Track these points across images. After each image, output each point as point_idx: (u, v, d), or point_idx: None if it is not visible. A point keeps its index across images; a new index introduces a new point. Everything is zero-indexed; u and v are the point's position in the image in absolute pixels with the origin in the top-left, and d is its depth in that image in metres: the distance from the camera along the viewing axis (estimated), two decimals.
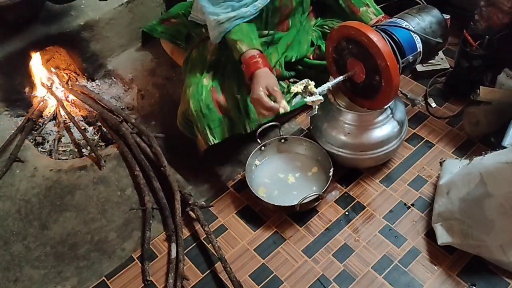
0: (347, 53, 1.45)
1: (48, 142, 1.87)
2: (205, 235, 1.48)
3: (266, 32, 1.67)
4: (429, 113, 1.83)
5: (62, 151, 1.85)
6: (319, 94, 1.41)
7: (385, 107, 1.50)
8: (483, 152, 1.48)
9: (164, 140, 1.77)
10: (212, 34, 1.55)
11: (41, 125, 1.91)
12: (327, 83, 1.44)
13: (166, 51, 1.99)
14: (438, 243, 1.42)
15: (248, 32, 1.51)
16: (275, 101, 1.41)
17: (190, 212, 1.55)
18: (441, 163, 1.61)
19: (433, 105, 1.80)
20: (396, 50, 1.40)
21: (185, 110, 1.58)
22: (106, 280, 1.45)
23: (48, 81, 1.98)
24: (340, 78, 1.46)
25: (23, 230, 1.57)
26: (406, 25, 1.45)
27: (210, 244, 1.47)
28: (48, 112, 1.95)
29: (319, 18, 1.83)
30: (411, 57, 1.45)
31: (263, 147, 1.65)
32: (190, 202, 1.55)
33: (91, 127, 1.92)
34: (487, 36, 1.74)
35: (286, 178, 1.62)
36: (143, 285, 1.43)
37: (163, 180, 1.63)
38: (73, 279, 1.46)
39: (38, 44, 1.86)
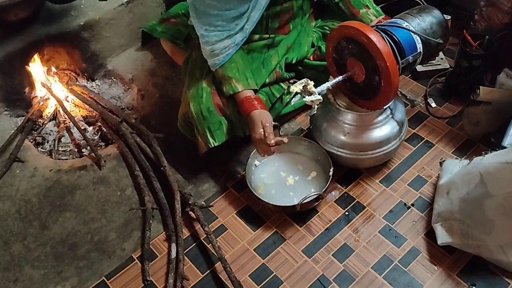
0: (347, 53, 1.45)
1: (48, 142, 1.87)
2: (205, 235, 1.48)
3: (267, 35, 1.67)
4: (429, 113, 1.83)
5: (62, 151, 1.85)
6: (319, 94, 1.41)
7: (385, 107, 1.50)
8: (483, 152, 1.48)
9: (164, 140, 1.77)
10: (208, 61, 1.57)
11: (41, 125, 1.91)
12: (327, 83, 1.44)
13: (166, 51, 1.99)
14: (438, 243, 1.42)
15: (243, 69, 1.55)
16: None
17: (190, 212, 1.55)
18: (441, 163, 1.61)
19: (433, 105, 1.80)
20: (396, 51, 1.40)
21: (185, 112, 1.58)
22: (106, 280, 1.45)
23: (48, 81, 1.98)
24: (340, 78, 1.46)
25: (23, 230, 1.57)
26: (406, 26, 1.45)
27: (210, 244, 1.47)
28: (48, 112, 1.95)
29: (319, 20, 1.83)
30: (411, 58, 1.45)
31: None
32: (190, 202, 1.55)
33: (91, 127, 1.92)
34: (487, 36, 1.74)
35: (285, 180, 1.62)
36: (143, 285, 1.43)
37: (163, 180, 1.63)
38: (73, 279, 1.46)
39: (38, 44, 1.86)
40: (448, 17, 1.78)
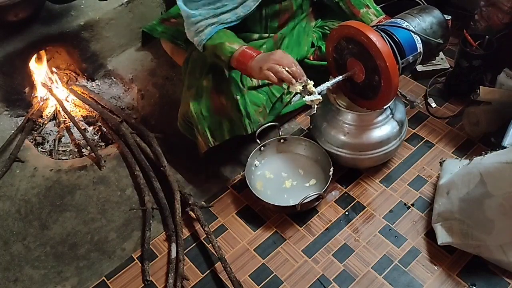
0: (347, 53, 1.45)
1: (48, 142, 1.87)
2: (205, 235, 1.48)
3: (266, 35, 1.67)
4: (429, 113, 1.83)
5: (62, 151, 1.85)
6: (318, 94, 1.41)
7: (385, 107, 1.50)
8: (483, 152, 1.48)
9: (164, 140, 1.77)
10: (194, 41, 1.52)
11: (41, 125, 1.91)
12: (326, 82, 1.44)
13: (166, 51, 1.99)
14: (438, 243, 1.42)
15: (233, 34, 1.50)
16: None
17: (190, 212, 1.55)
18: (441, 163, 1.61)
19: (433, 105, 1.80)
20: (396, 51, 1.40)
21: (185, 112, 1.58)
22: (106, 280, 1.45)
23: (48, 81, 1.98)
24: (339, 77, 1.46)
25: (23, 230, 1.57)
26: (406, 26, 1.45)
27: (210, 244, 1.47)
28: (48, 112, 1.95)
29: (319, 19, 1.83)
30: (411, 58, 1.45)
31: (262, 147, 1.65)
32: (190, 202, 1.55)
33: (91, 127, 1.92)
34: (487, 36, 1.74)
35: (283, 182, 1.62)
36: (143, 285, 1.43)
37: (163, 180, 1.63)
38: (73, 279, 1.46)
39: (38, 44, 1.86)
40: (448, 17, 1.78)
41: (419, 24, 1.48)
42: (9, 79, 1.84)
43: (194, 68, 1.66)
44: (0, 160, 1.74)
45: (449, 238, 1.40)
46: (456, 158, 1.65)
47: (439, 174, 1.59)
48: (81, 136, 1.85)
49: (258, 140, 1.63)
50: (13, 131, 1.83)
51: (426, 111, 1.83)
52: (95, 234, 1.55)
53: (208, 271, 1.45)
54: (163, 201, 1.58)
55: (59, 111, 1.94)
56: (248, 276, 1.43)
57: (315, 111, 1.42)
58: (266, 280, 1.42)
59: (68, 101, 1.99)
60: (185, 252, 1.48)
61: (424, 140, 1.74)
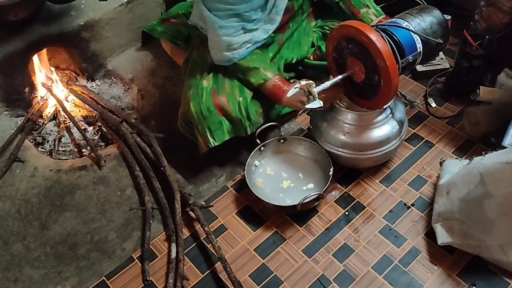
0: (347, 52, 1.45)
1: (48, 142, 1.87)
2: (205, 235, 1.48)
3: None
4: (429, 113, 1.83)
5: (62, 151, 1.85)
6: (318, 94, 1.40)
7: (385, 107, 1.50)
8: (483, 152, 1.48)
9: (164, 140, 1.77)
10: (218, 55, 1.55)
11: (41, 125, 1.91)
12: (326, 82, 1.44)
13: (166, 51, 1.99)
14: (438, 243, 1.42)
15: (266, 60, 1.57)
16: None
17: (190, 212, 1.55)
18: (441, 163, 1.61)
19: (433, 105, 1.80)
20: (396, 50, 1.40)
21: (185, 112, 1.58)
22: (106, 280, 1.45)
23: (48, 81, 1.98)
24: (339, 77, 1.46)
25: (23, 230, 1.57)
26: (406, 25, 1.45)
27: (210, 244, 1.47)
28: (48, 112, 1.95)
29: (320, 19, 1.83)
30: (411, 57, 1.45)
31: (262, 148, 1.65)
32: (190, 202, 1.55)
33: (91, 127, 1.92)
34: (487, 36, 1.74)
35: (281, 182, 1.61)
36: (143, 285, 1.43)
37: (163, 180, 1.63)
38: (73, 279, 1.46)
39: (38, 44, 1.86)
40: (448, 17, 1.78)
41: (419, 24, 1.48)
42: (9, 79, 1.84)
43: (194, 68, 1.66)
44: (0, 160, 1.74)
45: (449, 238, 1.40)
46: (456, 158, 1.65)
47: (439, 174, 1.59)
48: (81, 136, 1.85)
49: (258, 140, 1.63)
50: (13, 131, 1.83)
51: (426, 111, 1.83)
52: (95, 234, 1.55)
53: (208, 271, 1.45)
54: (163, 201, 1.58)
55: (59, 111, 1.94)
56: (248, 276, 1.43)
57: (319, 104, 1.41)
58: (266, 280, 1.42)
59: (68, 101, 1.99)
60: (185, 252, 1.48)
61: (424, 140, 1.74)
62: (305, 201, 1.46)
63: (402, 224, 1.52)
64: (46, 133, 1.90)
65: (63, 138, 1.88)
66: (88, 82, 2.04)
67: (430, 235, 1.47)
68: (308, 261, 1.45)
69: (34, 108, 1.92)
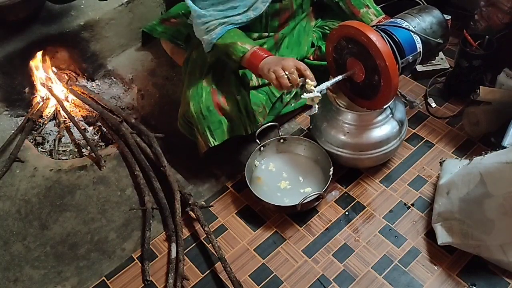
0: (347, 52, 1.45)
1: (48, 142, 1.87)
2: (205, 235, 1.48)
3: (266, 34, 1.67)
4: (429, 113, 1.83)
5: (62, 151, 1.85)
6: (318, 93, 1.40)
7: (385, 107, 1.50)
8: (483, 152, 1.48)
9: (164, 140, 1.77)
10: (203, 44, 1.54)
11: (41, 125, 1.91)
12: (326, 82, 1.44)
13: (166, 51, 1.99)
14: (438, 243, 1.42)
15: (244, 34, 1.51)
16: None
17: (190, 212, 1.55)
18: (441, 163, 1.61)
19: (433, 105, 1.80)
20: (395, 50, 1.40)
21: (185, 111, 1.58)
22: (106, 280, 1.45)
23: (48, 81, 1.98)
24: (339, 77, 1.46)
25: (23, 230, 1.57)
26: (406, 25, 1.45)
27: (210, 244, 1.47)
28: (48, 112, 1.95)
29: (320, 19, 1.83)
30: (411, 57, 1.45)
31: (262, 148, 1.65)
32: (190, 202, 1.55)
33: (91, 127, 1.92)
34: (487, 36, 1.74)
35: (280, 181, 1.61)
36: (143, 285, 1.43)
37: (163, 180, 1.63)
38: (73, 279, 1.46)
39: (38, 44, 1.86)
40: (448, 17, 1.78)
41: (419, 24, 1.48)
42: (9, 79, 1.84)
43: (194, 68, 1.66)
44: (0, 160, 1.74)
45: (449, 238, 1.40)
46: (456, 158, 1.65)
47: (439, 174, 1.59)
48: (81, 136, 1.85)
49: (257, 140, 1.63)
50: (13, 131, 1.83)
51: (426, 111, 1.83)
52: (95, 234, 1.55)
53: (208, 271, 1.45)
54: (163, 201, 1.58)
55: (59, 111, 1.94)
56: (248, 276, 1.43)
57: (316, 111, 1.42)
58: (266, 280, 1.42)
59: (68, 101, 1.99)
60: (185, 252, 1.48)
61: (424, 140, 1.74)
62: (305, 201, 1.46)
63: (402, 224, 1.52)
64: (46, 133, 1.90)
65: (63, 138, 1.88)
66: (88, 82, 2.04)
67: (430, 235, 1.47)
68: (308, 261, 1.45)
69: (34, 108, 1.92)
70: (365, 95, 1.48)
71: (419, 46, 1.46)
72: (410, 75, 1.96)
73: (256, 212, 1.58)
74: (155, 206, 1.59)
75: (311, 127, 1.66)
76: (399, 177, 1.64)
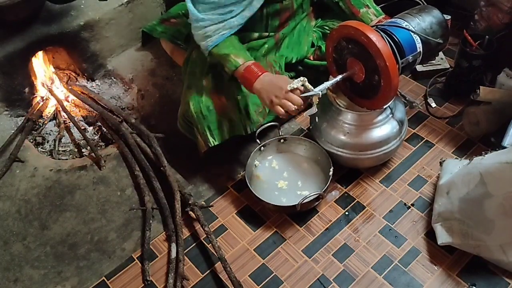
0: (347, 52, 1.45)
1: (48, 142, 1.87)
2: (205, 235, 1.48)
3: (266, 34, 1.67)
4: (429, 113, 1.83)
5: (62, 151, 1.85)
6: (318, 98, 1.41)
7: (385, 107, 1.50)
8: (483, 152, 1.48)
9: (164, 140, 1.77)
10: (201, 45, 1.54)
11: (41, 125, 1.91)
12: (326, 82, 1.44)
13: (166, 51, 1.99)
14: (438, 243, 1.42)
15: (240, 46, 1.51)
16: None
17: (190, 212, 1.55)
18: (441, 163, 1.61)
19: (433, 105, 1.80)
20: (395, 50, 1.40)
21: (185, 111, 1.58)
22: (106, 280, 1.45)
23: (48, 81, 1.98)
24: (339, 77, 1.46)
25: (23, 230, 1.57)
26: (406, 25, 1.45)
27: (210, 244, 1.47)
28: (48, 112, 1.95)
29: (320, 19, 1.83)
30: (411, 58, 1.45)
31: (262, 148, 1.65)
32: (190, 202, 1.55)
33: (91, 127, 1.92)
34: (487, 36, 1.74)
35: (278, 181, 1.61)
36: (143, 285, 1.44)
37: (163, 180, 1.63)
38: (73, 279, 1.46)
39: (38, 44, 1.86)
40: (448, 17, 1.78)
41: (419, 24, 1.48)
42: (9, 79, 1.84)
43: (194, 68, 1.66)
44: (0, 160, 1.74)
45: (449, 238, 1.40)
46: (456, 158, 1.65)
47: (439, 174, 1.59)
48: (81, 136, 1.85)
49: (258, 140, 1.63)
50: (13, 131, 1.83)
51: (426, 111, 1.83)
52: (95, 234, 1.55)
53: (208, 271, 1.45)
54: (163, 201, 1.58)
55: (59, 111, 1.94)
56: (248, 276, 1.43)
57: (315, 111, 1.42)
58: (266, 280, 1.42)
59: (68, 101, 1.99)
60: (185, 252, 1.48)
61: (424, 140, 1.74)
62: (305, 201, 1.46)
63: (402, 224, 1.52)
64: (46, 133, 1.90)
65: (63, 138, 1.88)
66: (88, 82, 2.04)
67: (430, 235, 1.47)
68: (308, 261, 1.45)
69: (34, 108, 1.92)
70: (365, 95, 1.48)
71: (419, 46, 1.46)
72: (410, 75, 1.96)
73: (256, 212, 1.58)
74: (155, 206, 1.59)
75: (311, 127, 1.66)
76: (399, 177, 1.64)
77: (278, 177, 1.63)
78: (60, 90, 2.00)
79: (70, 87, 1.98)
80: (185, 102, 1.58)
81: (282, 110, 1.40)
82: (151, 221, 1.55)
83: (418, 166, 1.66)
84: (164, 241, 1.53)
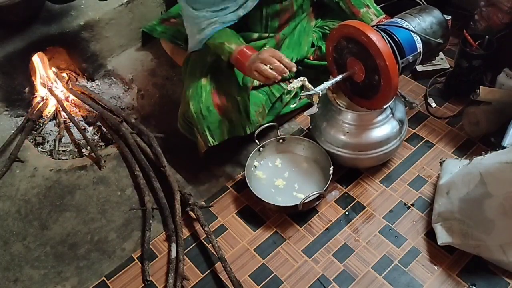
0: (347, 52, 1.45)
1: (48, 142, 1.87)
2: (205, 235, 1.48)
3: (266, 34, 1.67)
4: (429, 113, 1.83)
5: (62, 151, 1.85)
6: (319, 97, 1.41)
7: (385, 106, 1.50)
8: (483, 152, 1.48)
9: (164, 140, 1.77)
10: (192, 41, 1.56)
11: (41, 125, 1.91)
12: (326, 82, 1.44)
13: (166, 51, 1.99)
14: (438, 243, 1.42)
15: (233, 34, 1.53)
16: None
17: (190, 212, 1.55)
18: (441, 163, 1.61)
19: (433, 105, 1.80)
20: (396, 50, 1.40)
21: (185, 111, 1.58)
22: (106, 280, 1.45)
23: (48, 81, 1.98)
24: (339, 77, 1.46)
25: (23, 230, 1.57)
26: (406, 25, 1.45)
27: (210, 244, 1.47)
28: (48, 112, 1.95)
29: (320, 19, 1.83)
30: (411, 57, 1.45)
31: (262, 148, 1.65)
32: (190, 202, 1.55)
33: (91, 127, 1.92)
34: (487, 36, 1.74)
35: (276, 179, 1.62)
36: (143, 285, 1.43)
37: (163, 180, 1.63)
38: (73, 279, 1.46)
39: (38, 44, 1.86)
40: (448, 17, 1.78)
41: (419, 24, 1.48)
42: (9, 79, 1.84)
43: (194, 68, 1.66)
44: (0, 160, 1.74)
45: (449, 238, 1.40)
46: (456, 158, 1.65)
47: (439, 174, 1.59)
48: (81, 136, 1.85)
49: (257, 141, 1.63)
50: (13, 131, 1.83)
51: (426, 111, 1.83)
52: (95, 234, 1.55)
53: (208, 271, 1.45)
54: (163, 201, 1.58)
55: (59, 111, 1.94)
56: (248, 276, 1.43)
57: (316, 110, 1.42)
58: (266, 280, 1.42)
59: (68, 101, 1.99)
60: (185, 252, 1.48)
61: (424, 140, 1.74)
62: (306, 201, 1.46)
63: (402, 224, 1.52)
64: (46, 133, 1.90)
65: (63, 138, 1.88)
66: (88, 82, 2.04)
67: (430, 235, 1.47)
68: (308, 261, 1.45)
69: (34, 108, 1.92)
70: (365, 95, 1.48)
71: (419, 46, 1.46)
72: (410, 75, 1.96)
73: (256, 212, 1.58)
74: (155, 206, 1.59)
75: (311, 127, 1.66)
76: (399, 177, 1.64)
77: (278, 175, 1.63)
78: (60, 90, 2.00)
79: (70, 87, 1.98)
80: (185, 102, 1.58)
81: (259, 76, 1.42)
82: (151, 221, 1.55)
83: (418, 166, 1.66)
84: (164, 241, 1.53)
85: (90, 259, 1.50)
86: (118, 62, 2.07)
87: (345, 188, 1.62)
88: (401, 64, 1.43)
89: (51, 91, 1.96)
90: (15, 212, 1.61)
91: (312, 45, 1.77)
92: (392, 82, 1.35)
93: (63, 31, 1.88)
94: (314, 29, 1.80)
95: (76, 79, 2.05)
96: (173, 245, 1.47)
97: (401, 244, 1.47)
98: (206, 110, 1.54)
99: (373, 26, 1.49)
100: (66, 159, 1.81)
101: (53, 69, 2.01)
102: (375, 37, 1.32)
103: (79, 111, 1.98)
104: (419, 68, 1.93)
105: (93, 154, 1.76)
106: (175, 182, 1.59)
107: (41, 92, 1.97)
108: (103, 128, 1.88)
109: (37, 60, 1.93)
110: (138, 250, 1.51)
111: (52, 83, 1.99)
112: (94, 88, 2.02)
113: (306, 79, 1.41)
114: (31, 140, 1.84)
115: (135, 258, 1.50)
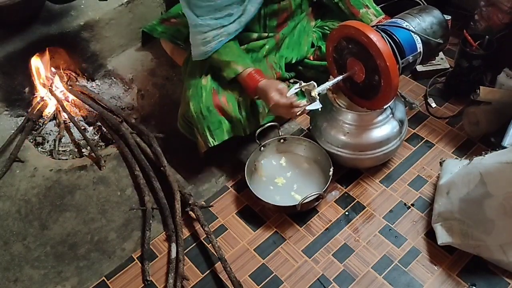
0: (347, 52, 1.45)
1: (48, 142, 1.87)
2: (205, 235, 1.48)
3: (265, 34, 1.67)
4: (429, 113, 1.83)
5: (62, 151, 1.85)
6: (318, 94, 1.40)
7: (385, 107, 1.50)
8: (483, 152, 1.48)
9: (164, 140, 1.77)
10: (196, 51, 1.56)
11: (41, 125, 1.91)
12: (326, 83, 1.44)
13: (166, 51, 1.99)
14: (438, 243, 1.42)
15: (239, 52, 1.54)
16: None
17: (190, 212, 1.55)
18: (441, 163, 1.61)
19: (433, 105, 1.80)
20: (396, 50, 1.40)
21: (185, 111, 1.58)
22: (106, 280, 1.45)
23: (48, 81, 1.98)
24: (339, 77, 1.46)
25: (23, 230, 1.57)
26: (406, 26, 1.45)
27: (210, 244, 1.47)
28: (48, 112, 1.95)
29: (319, 20, 1.83)
30: (411, 58, 1.45)
31: (262, 148, 1.65)
32: (190, 202, 1.55)
33: (91, 127, 1.92)
34: (487, 36, 1.74)
35: (276, 178, 1.62)
36: (143, 285, 1.44)
37: (163, 180, 1.63)
38: (73, 279, 1.46)
39: (38, 44, 1.86)
40: (448, 17, 1.78)
41: (419, 24, 1.48)
42: (9, 79, 1.84)
43: (194, 68, 1.66)
44: (0, 160, 1.74)
45: (449, 238, 1.40)
46: (456, 158, 1.65)
47: (439, 174, 1.59)
48: (81, 136, 1.85)
49: (257, 141, 1.63)
50: (13, 131, 1.83)
51: (426, 111, 1.83)
52: (95, 234, 1.55)
53: (208, 271, 1.45)
54: (163, 201, 1.58)
55: (59, 111, 1.94)
56: (248, 276, 1.43)
57: (320, 105, 1.40)
58: (266, 280, 1.42)
59: (68, 101, 1.99)
60: (185, 252, 1.48)
61: (424, 140, 1.74)
62: (305, 201, 1.46)
63: (402, 224, 1.52)
64: (46, 133, 1.90)
65: (63, 138, 1.88)
66: (88, 82, 2.04)
67: (430, 235, 1.47)
68: (308, 261, 1.45)
69: (34, 108, 1.92)
70: (365, 95, 1.48)
71: (419, 46, 1.46)
72: (410, 75, 1.96)
73: (256, 212, 1.58)
74: (155, 206, 1.59)
75: (311, 127, 1.66)
76: (399, 177, 1.64)
77: (281, 174, 1.63)
78: (60, 90, 2.00)
79: (70, 87, 1.98)
80: (185, 103, 1.58)
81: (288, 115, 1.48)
82: (151, 221, 1.55)
83: (418, 166, 1.66)
84: (164, 241, 1.53)
85: (90, 259, 1.50)
86: (118, 62, 2.07)
87: (345, 188, 1.62)
88: (401, 64, 1.43)
89: (51, 91, 1.96)
90: (15, 212, 1.61)
91: (312, 45, 1.77)
92: (393, 82, 1.35)
93: (63, 31, 1.88)
94: (314, 29, 1.80)
95: (76, 79, 2.05)
96: (173, 245, 1.47)
97: (401, 244, 1.47)
98: (206, 110, 1.54)
99: (373, 26, 1.49)
100: (66, 159, 1.81)
101: (53, 69, 2.01)
102: (375, 37, 1.33)
103: (79, 111, 1.98)
104: (419, 68, 1.93)
105: (93, 154, 1.76)
106: (175, 182, 1.59)
107: (41, 92, 1.97)
108: (103, 128, 1.88)
109: (37, 60, 1.93)
110: (138, 250, 1.51)
111: (52, 83, 1.99)
112: (94, 88, 2.02)
113: (302, 82, 1.41)
114: (31, 140, 1.84)
115: (135, 258, 1.50)
